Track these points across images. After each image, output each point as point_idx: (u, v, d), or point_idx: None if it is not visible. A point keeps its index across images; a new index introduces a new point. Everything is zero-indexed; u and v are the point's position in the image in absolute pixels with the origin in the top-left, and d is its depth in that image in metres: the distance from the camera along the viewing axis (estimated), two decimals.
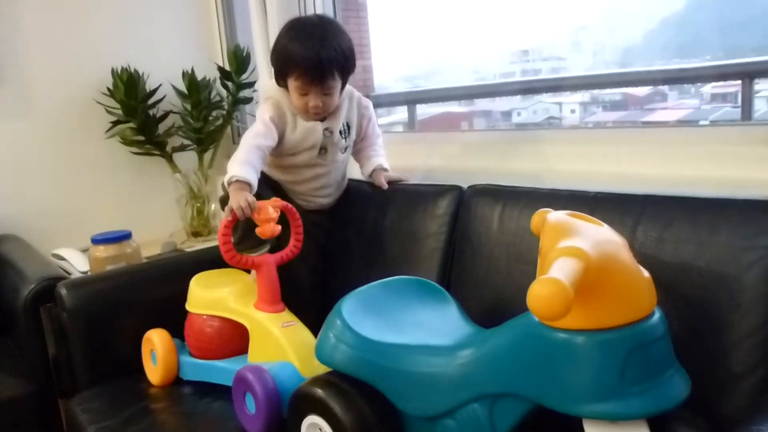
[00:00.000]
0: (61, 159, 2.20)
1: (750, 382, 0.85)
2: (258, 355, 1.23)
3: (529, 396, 0.79)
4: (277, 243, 1.36)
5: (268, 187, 1.40)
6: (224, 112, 2.35)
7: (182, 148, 2.32)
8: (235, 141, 2.53)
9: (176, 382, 1.37)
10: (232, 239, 1.28)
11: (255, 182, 1.27)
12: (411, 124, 2.48)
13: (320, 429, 0.95)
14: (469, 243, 1.22)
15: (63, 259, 1.98)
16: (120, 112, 2.19)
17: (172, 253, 1.95)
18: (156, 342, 1.36)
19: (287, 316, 1.23)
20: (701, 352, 0.88)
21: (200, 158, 2.34)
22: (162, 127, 2.29)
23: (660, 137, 1.25)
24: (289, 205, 1.30)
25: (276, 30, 1.58)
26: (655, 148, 1.22)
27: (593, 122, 2.30)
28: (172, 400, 1.31)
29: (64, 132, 2.19)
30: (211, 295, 1.34)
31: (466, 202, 1.27)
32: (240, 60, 2.27)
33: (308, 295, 1.46)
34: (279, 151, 1.40)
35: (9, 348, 1.62)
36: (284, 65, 1.35)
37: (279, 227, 1.24)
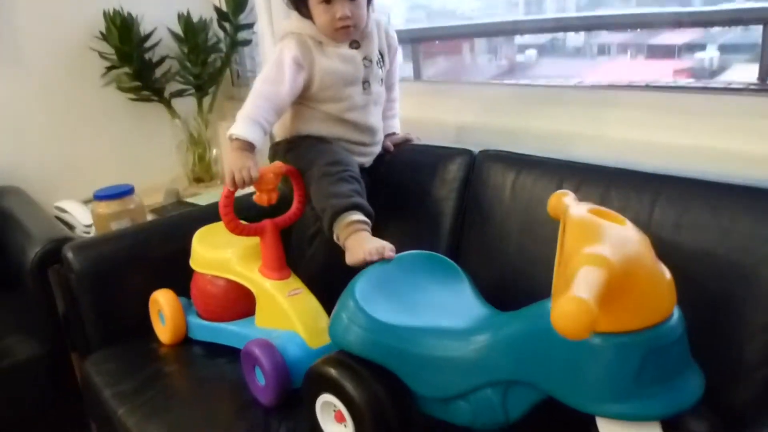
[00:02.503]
0: (58, 108, 2.14)
1: (764, 372, 0.85)
2: (265, 320, 1.24)
3: (544, 388, 0.80)
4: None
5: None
6: (222, 55, 2.27)
7: (180, 93, 2.26)
8: (235, 83, 2.47)
9: (186, 341, 1.38)
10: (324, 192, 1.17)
11: (259, 141, 1.17)
12: (417, 70, 2.41)
13: (334, 406, 0.96)
14: (480, 211, 1.20)
15: (65, 211, 1.97)
16: (115, 57, 2.12)
17: (176, 206, 1.92)
18: (163, 303, 1.36)
19: (293, 282, 1.22)
20: (716, 342, 0.88)
21: (199, 103, 2.28)
22: (159, 72, 2.22)
23: (684, 103, 1.20)
24: (293, 168, 1.24)
25: None
26: (678, 116, 1.17)
27: (598, 44, 2.26)
28: (183, 363, 1.32)
29: (59, 80, 2.12)
30: (216, 256, 1.32)
31: (477, 168, 1.24)
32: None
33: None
34: (316, 96, 1.25)
35: (17, 307, 1.63)
36: None
37: (277, 195, 1.21)
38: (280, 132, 1.36)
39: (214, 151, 2.36)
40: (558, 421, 0.80)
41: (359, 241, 1.07)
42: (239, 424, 1.07)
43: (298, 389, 1.07)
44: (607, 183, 1.03)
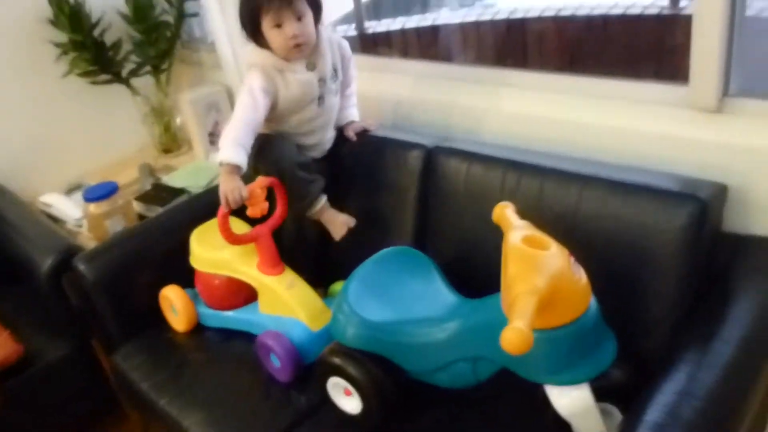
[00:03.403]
0: (21, 100, 2.21)
1: (665, 325, 1.14)
2: (268, 308, 1.46)
3: (502, 363, 1.07)
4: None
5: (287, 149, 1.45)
6: (172, 28, 2.33)
7: (137, 71, 2.33)
8: (185, 47, 2.50)
9: (199, 327, 1.60)
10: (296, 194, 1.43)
11: (245, 163, 1.35)
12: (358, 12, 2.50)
13: (342, 386, 1.22)
14: (439, 200, 1.43)
15: (51, 206, 2.11)
16: (68, 43, 2.17)
17: (157, 190, 2.08)
18: (174, 298, 1.57)
19: (289, 275, 1.44)
20: (630, 305, 1.16)
21: (157, 78, 2.37)
22: (114, 55, 2.28)
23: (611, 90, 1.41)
24: (275, 180, 1.42)
25: None
26: (606, 101, 1.41)
27: None
28: (202, 349, 1.56)
29: (15, 73, 2.18)
30: (215, 256, 1.51)
31: (433, 161, 1.44)
32: None
33: (316, 239, 1.59)
34: (280, 113, 1.44)
35: (32, 307, 1.79)
36: (253, 12, 1.37)
37: (267, 204, 1.40)
38: None
39: (178, 120, 2.48)
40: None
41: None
42: (267, 403, 1.34)
43: (308, 366, 1.33)
44: (541, 179, 1.25)
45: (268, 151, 1.44)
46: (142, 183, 2.22)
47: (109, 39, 2.25)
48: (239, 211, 1.42)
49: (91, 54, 2.20)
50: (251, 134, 1.37)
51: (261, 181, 1.40)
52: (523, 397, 1.10)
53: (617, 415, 1.07)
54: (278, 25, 1.35)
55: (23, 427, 1.66)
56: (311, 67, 1.43)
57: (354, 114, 1.62)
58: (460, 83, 1.66)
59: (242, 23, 1.42)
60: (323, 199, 1.49)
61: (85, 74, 2.25)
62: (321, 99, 1.46)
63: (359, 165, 1.57)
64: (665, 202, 1.14)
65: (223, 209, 1.35)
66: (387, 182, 1.52)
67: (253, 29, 1.39)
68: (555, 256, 0.97)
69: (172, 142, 2.49)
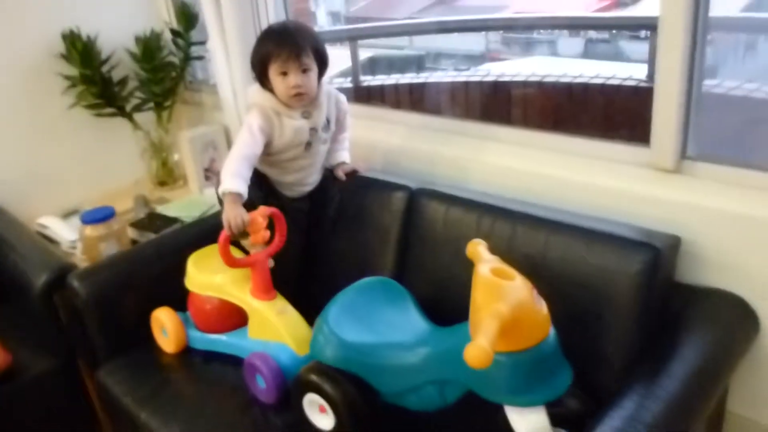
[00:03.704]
0: (27, 127, 2.31)
1: (618, 361, 1.24)
2: (257, 332, 1.53)
3: (468, 385, 1.15)
4: None
5: (256, 183, 1.55)
6: (177, 69, 2.47)
7: (141, 107, 2.46)
8: (188, 88, 2.64)
9: (187, 350, 1.66)
10: None
11: (246, 192, 1.46)
12: (354, 68, 2.67)
13: (317, 403, 1.29)
14: (419, 238, 1.53)
15: (48, 228, 2.19)
16: (76, 76, 2.30)
17: (152, 218, 2.17)
18: (165, 320, 1.64)
19: (280, 302, 1.52)
20: (587, 340, 1.25)
21: (159, 115, 2.49)
22: (120, 91, 2.41)
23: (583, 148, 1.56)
24: (276, 211, 1.51)
25: None
26: (577, 158, 1.55)
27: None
28: (187, 369, 1.61)
29: (24, 102, 2.29)
30: (211, 279, 1.59)
31: (415, 202, 1.56)
32: (188, 17, 2.38)
33: (295, 268, 1.70)
34: (267, 151, 1.56)
35: (20, 322, 1.85)
36: (263, 57, 1.50)
37: (268, 233, 1.50)
38: None
39: (176, 156, 2.59)
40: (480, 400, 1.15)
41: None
42: (246, 420, 1.40)
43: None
44: (513, 223, 1.37)
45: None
46: (137, 212, 2.30)
47: (116, 75, 2.38)
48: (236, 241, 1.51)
49: (99, 88, 2.32)
50: (249, 167, 1.49)
51: (262, 210, 1.49)
52: (485, 422, 1.18)
53: None
54: (284, 73, 1.49)
55: None
56: (307, 115, 1.56)
57: (345, 156, 1.74)
58: (446, 135, 1.79)
59: (252, 64, 1.56)
60: None
61: (90, 106, 2.37)
62: (309, 145, 1.58)
63: (346, 202, 1.68)
64: (623, 249, 1.25)
65: (225, 233, 1.44)
66: (372, 219, 1.62)
67: (261, 71, 1.53)
68: (519, 287, 1.07)
69: (168, 176, 2.60)
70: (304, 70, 1.49)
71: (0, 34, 2.19)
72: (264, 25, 2.02)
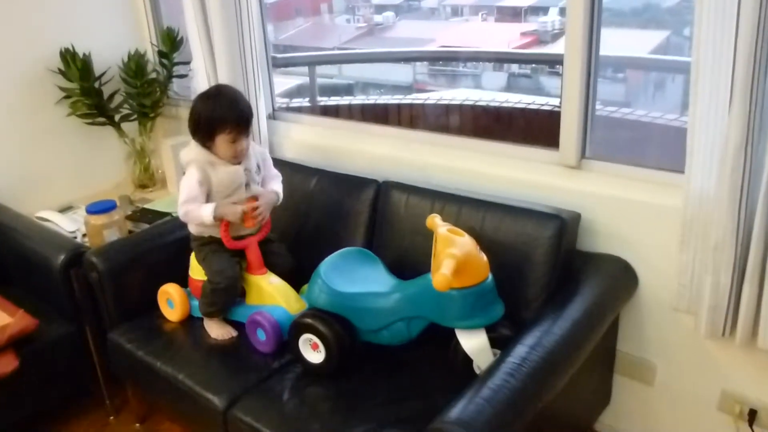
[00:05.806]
0: (24, 133, 2.60)
1: (537, 301, 1.68)
2: (255, 300, 1.88)
3: (429, 318, 1.57)
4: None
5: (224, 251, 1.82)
6: (162, 86, 2.81)
7: (128, 117, 2.78)
8: (168, 102, 2.96)
9: (189, 318, 1.98)
10: (208, 300, 1.84)
11: (212, 207, 1.75)
12: (312, 89, 3.07)
13: (311, 341, 1.67)
14: (386, 220, 1.95)
15: (47, 220, 2.46)
16: (73, 89, 2.60)
17: (144, 212, 2.49)
18: (173, 293, 1.97)
19: (271, 274, 1.88)
20: (514, 287, 1.68)
21: (143, 125, 2.81)
22: (111, 104, 2.72)
23: (507, 150, 2.01)
24: (253, 204, 1.81)
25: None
26: (503, 158, 2.00)
27: (451, 5, 2.57)
28: (192, 332, 1.93)
29: (22, 111, 2.58)
30: None
31: (382, 192, 1.97)
32: (173, 40, 2.73)
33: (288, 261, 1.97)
34: (214, 196, 1.78)
35: (37, 296, 2.16)
36: (213, 126, 1.71)
37: (256, 219, 1.85)
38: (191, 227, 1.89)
39: (156, 161, 2.91)
40: (434, 332, 1.57)
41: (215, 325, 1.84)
42: (248, 363, 1.76)
43: (285, 342, 1.76)
44: (459, 205, 1.80)
45: (215, 261, 1.83)
46: (123, 210, 2.61)
47: (108, 89, 2.70)
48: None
49: (92, 100, 2.63)
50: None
51: (251, 204, 1.83)
52: (440, 352, 1.60)
53: None
54: (233, 141, 1.72)
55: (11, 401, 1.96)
56: (237, 162, 1.79)
57: (278, 189, 1.93)
58: (404, 141, 2.22)
59: (197, 123, 1.74)
60: (219, 317, 1.89)
61: (83, 116, 2.67)
62: (248, 185, 1.83)
63: (323, 194, 2.07)
64: (539, 220, 1.70)
65: (225, 222, 1.80)
66: (345, 208, 2.02)
67: (208, 133, 1.73)
68: (467, 242, 1.51)
69: (148, 179, 2.91)
70: (246, 136, 1.74)
71: (3, 49, 2.48)
72: (248, 47, 2.36)
